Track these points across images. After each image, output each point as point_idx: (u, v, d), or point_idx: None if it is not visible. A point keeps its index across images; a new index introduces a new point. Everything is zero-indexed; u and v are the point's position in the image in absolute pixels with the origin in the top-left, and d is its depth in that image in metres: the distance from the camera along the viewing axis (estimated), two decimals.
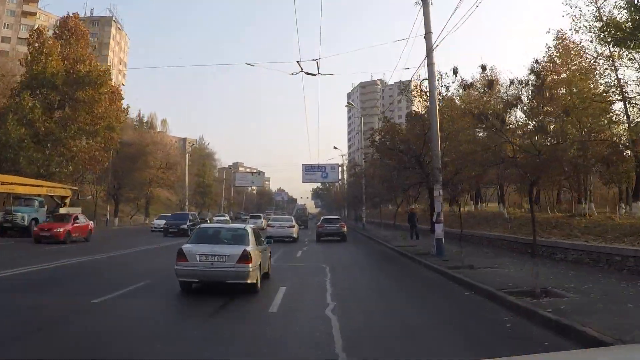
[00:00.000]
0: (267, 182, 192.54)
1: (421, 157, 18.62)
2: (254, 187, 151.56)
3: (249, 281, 10.01)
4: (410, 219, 26.31)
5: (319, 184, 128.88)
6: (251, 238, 10.88)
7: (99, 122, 32.13)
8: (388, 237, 28.45)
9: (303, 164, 76.83)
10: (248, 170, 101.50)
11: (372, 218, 56.11)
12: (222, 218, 51.87)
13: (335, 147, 67.51)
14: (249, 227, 11.65)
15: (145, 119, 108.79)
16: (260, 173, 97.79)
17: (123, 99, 37.50)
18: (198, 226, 13.11)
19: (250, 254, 10.03)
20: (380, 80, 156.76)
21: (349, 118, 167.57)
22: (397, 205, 34.48)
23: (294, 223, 30.49)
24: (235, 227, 12.74)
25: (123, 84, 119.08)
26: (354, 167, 52.04)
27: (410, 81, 25.11)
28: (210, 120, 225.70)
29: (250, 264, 9.95)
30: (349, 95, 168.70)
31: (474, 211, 31.14)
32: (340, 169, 76.59)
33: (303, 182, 78.24)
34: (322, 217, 36.50)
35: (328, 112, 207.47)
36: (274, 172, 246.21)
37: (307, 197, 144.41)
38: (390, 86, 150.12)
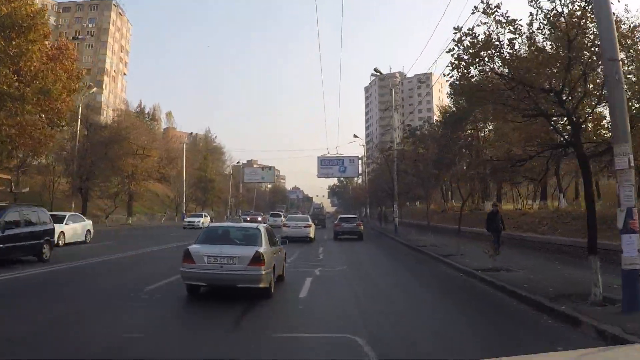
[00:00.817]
0: (282, 180, 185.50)
1: (563, 94, 8.58)
2: (268, 185, 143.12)
3: (261, 285, 9.13)
4: (491, 221, 16.14)
5: (336, 180, 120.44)
6: (264, 238, 9.92)
7: (29, 83, 22.73)
8: (447, 250, 18.38)
9: (318, 157, 67.07)
10: (259, 165, 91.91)
11: (402, 218, 46.14)
12: (196, 219, 41.32)
13: (355, 136, 57.59)
14: (261, 226, 10.64)
15: (147, 110, 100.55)
16: (271, 168, 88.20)
17: (76, 60, 28.04)
18: (207, 226, 11.87)
19: (263, 256, 9.17)
20: (399, 72, 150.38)
21: (367, 113, 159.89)
22: (462, 199, 24.41)
23: (310, 222, 28.16)
24: (247, 226, 11.81)
25: (125, 73, 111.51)
26: (387, 148, 41.75)
27: None
28: (223, 118, 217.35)
29: (263, 267, 9.09)
30: (366, 89, 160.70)
31: (573, 209, 20.54)
32: (360, 161, 66.60)
33: (318, 177, 68.46)
34: (339, 216, 35.80)
35: (345, 106, 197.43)
36: (290, 170, 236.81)
37: (324, 195, 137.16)
38: (409, 79, 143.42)
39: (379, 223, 50.53)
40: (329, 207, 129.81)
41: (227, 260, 8.99)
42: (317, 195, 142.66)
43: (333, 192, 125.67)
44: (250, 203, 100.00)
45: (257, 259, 9.02)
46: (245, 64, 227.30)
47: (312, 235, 26.69)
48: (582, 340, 6.61)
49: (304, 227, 26.84)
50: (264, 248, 9.50)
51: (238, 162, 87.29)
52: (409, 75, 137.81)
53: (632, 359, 2.32)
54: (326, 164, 66.05)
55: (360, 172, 68.60)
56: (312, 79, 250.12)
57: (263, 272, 9.03)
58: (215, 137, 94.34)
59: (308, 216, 33.43)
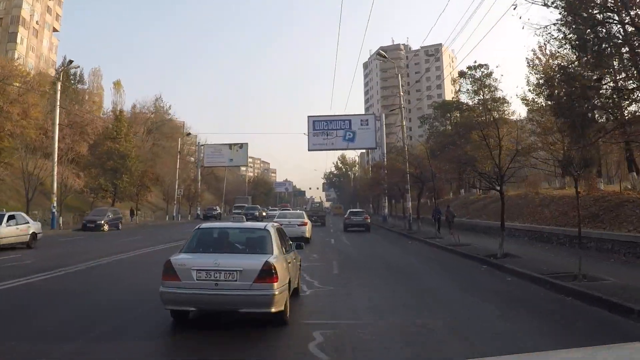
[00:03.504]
0: (273, 175, 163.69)
1: None
2: (253, 173, 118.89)
3: (273, 310, 6.45)
4: None
5: (333, 167, 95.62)
6: (275, 242, 7.26)
7: None
8: None
9: (309, 116, 40.82)
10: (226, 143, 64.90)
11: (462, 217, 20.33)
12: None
13: (382, 55, 31.23)
14: (271, 227, 7.67)
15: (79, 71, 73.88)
16: (242, 146, 61.70)
17: None
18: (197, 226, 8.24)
19: (275, 268, 6.51)
20: (404, 45, 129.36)
21: (366, 92, 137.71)
22: None
23: (306, 220, 24.63)
24: (252, 226, 8.93)
25: (56, 29, 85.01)
26: None
27: None
28: (204, 105, 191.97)
29: (275, 283, 6.45)
30: (365, 65, 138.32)
31: None
32: (378, 124, 40.38)
33: (310, 149, 41.39)
34: (349, 210, 36.53)
35: (341, 85, 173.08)
36: (281, 167, 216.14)
37: (317, 188, 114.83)
38: (415, 51, 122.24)
39: (436, 229, 24.57)
40: (324, 202, 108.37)
41: (224, 276, 6.46)
42: (310, 188, 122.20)
43: (330, 182, 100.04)
44: (217, 196, 73.72)
45: (268, 273, 6.43)
46: (231, 44, 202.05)
47: (308, 234, 23.51)
48: None
49: (299, 225, 23.47)
50: (275, 257, 6.85)
51: (189, 134, 60.60)
52: (415, 47, 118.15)
53: (633, 357, 2.25)
54: (323, 128, 39.70)
55: (378, 140, 41.98)
56: (305, 63, 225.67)
57: (276, 292, 6.43)
58: (170, 107, 67.65)
59: (303, 212, 29.64)
